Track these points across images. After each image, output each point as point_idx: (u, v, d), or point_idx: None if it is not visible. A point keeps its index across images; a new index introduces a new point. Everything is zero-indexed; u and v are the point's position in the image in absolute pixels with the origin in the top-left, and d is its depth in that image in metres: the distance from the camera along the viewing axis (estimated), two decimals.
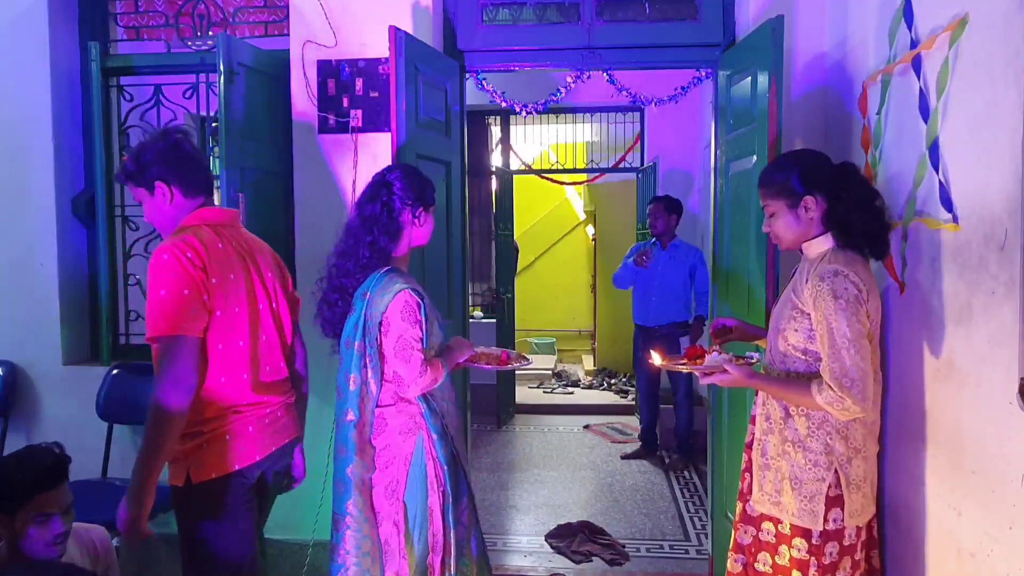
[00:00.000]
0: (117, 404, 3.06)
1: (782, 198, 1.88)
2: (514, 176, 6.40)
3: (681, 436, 4.68)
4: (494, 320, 5.86)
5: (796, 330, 1.84)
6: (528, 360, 2.44)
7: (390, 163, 2.63)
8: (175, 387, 1.77)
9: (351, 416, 2.06)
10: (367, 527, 2.05)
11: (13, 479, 1.72)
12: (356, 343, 2.04)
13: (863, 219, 1.80)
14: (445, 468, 2.08)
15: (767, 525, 1.90)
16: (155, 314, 1.78)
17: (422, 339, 2.01)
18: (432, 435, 2.08)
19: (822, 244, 1.87)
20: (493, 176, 6.52)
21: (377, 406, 2.08)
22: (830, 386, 1.72)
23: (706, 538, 3.46)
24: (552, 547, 3.42)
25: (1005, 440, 1.51)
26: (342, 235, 2.18)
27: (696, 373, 1.97)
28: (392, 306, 2.00)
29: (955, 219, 1.69)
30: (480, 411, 4.75)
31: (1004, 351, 1.50)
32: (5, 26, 3.10)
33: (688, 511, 3.93)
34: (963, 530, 1.68)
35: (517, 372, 6.08)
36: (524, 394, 6.34)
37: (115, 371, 3.11)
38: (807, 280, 1.82)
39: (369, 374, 2.05)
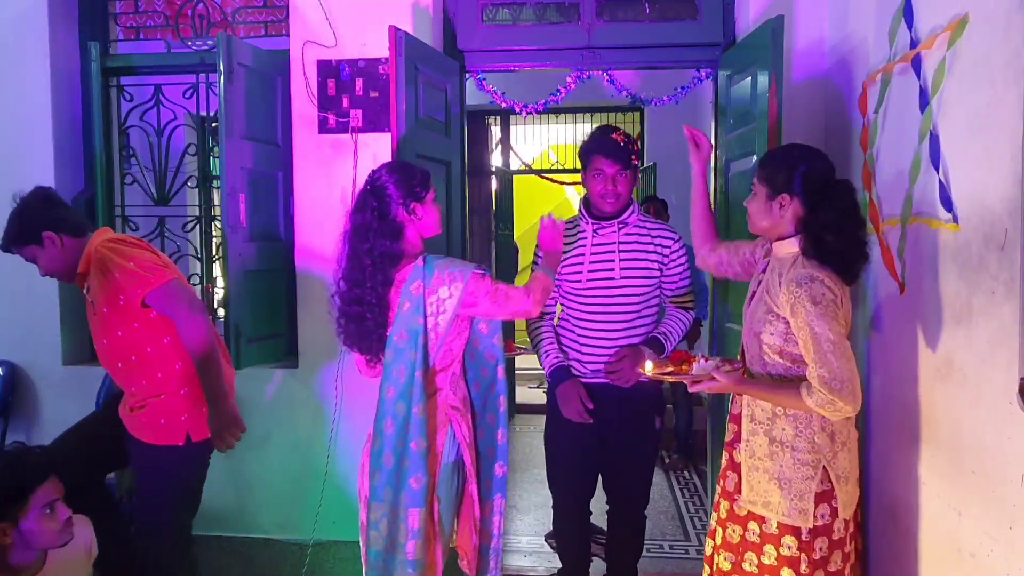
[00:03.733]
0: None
1: (765, 184, 1.91)
2: (514, 176, 6.41)
3: (681, 436, 4.68)
4: None
5: (772, 333, 1.86)
6: (527, 349, 2.63)
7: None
8: (201, 317, 2.14)
9: (421, 409, 2.05)
10: (429, 517, 2.10)
11: (5, 483, 1.76)
12: (420, 337, 2.03)
13: (836, 241, 1.80)
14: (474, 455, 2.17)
15: (752, 525, 1.91)
16: (137, 278, 2.13)
17: (501, 283, 2.12)
18: (464, 426, 2.15)
19: (793, 245, 1.88)
20: (493, 176, 6.52)
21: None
22: (820, 390, 1.72)
23: (705, 538, 3.46)
24: (552, 547, 3.42)
25: (1005, 440, 1.51)
26: (340, 247, 2.13)
27: (685, 382, 1.97)
28: (472, 283, 2.05)
29: (955, 219, 1.69)
30: None
31: (1004, 351, 1.50)
32: (5, 26, 3.10)
33: (688, 511, 3.93)
34: (963, 530, 1.68)
35: (517, 372, 6.08)
36: (524, 394, 6.34)
37: None
38: (781, 284, 1.82)
39: (429, 365, 2.08)
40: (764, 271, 1.98)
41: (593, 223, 2.50)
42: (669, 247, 2.51)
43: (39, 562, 1.85)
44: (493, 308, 2.11)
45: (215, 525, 3.09)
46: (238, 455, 3.08)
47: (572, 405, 2.44)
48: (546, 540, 3.48)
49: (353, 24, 2.96)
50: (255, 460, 3.09)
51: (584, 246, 2.49)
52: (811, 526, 1.81)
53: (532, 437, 5.31)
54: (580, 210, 2.56)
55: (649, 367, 2.04)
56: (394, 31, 2.55)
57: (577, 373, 2.52)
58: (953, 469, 1.73)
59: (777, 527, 1.85)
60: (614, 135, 2.44)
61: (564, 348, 2.56)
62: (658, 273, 2.50)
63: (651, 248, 2.49)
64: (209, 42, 3.21)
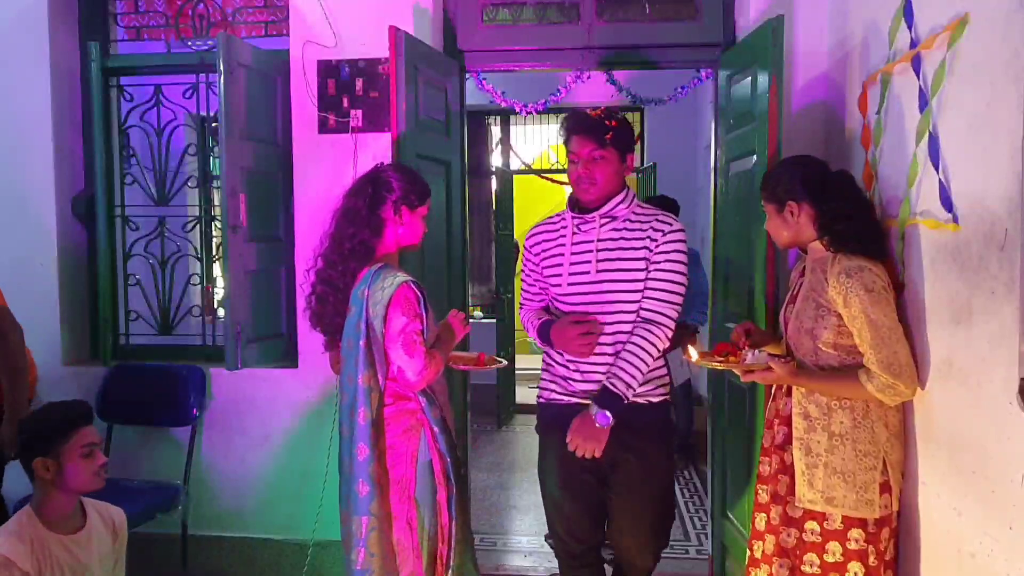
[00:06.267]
0: (117, 404, 3.06)
1: (771, 202, 2.02)
2: (514, 176, 6.41)
3: (681, 436, 4.68)
4: (494, 320, 5.87)
5: (825, 327, 1.90)
6: (503, 362, 2.50)
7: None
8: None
9: (365, 416, 2.03)
10: (387, 528, 2.05)
11: (53, 420, 1.89)
12: (361, 342, 2.03)
13: (850, 227, 1.89)
14: (448, 460, 2.09)
15: (811, 524, 1.90)
16: None
17: (423, 331, 2.01)
18: (434, 429, 2.09)
19: (824, 245, 1.95)
20: (493, 176, 6.52)
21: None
22: (881, 374, 1.78)
23: (706, 538, 3.46)
24: (552, 547, 3.42)
25: (1005, 440, 1.51)
26: (330, 224, 2.16)
27: (736, 371, 2.00)
28: (394, 299, 1.99)
29: (955, 219, 1.69)
30: (480, 411, 4.74)
31: (1004, 351, 1.50)
32: (5, 26, 3.10)
33: (688, 511, 3.93)
34: (963, 530, 1.68)
35: (517, 372, 6.09)
36: (524, 394, 6.34)
37: (115, 371, 3.11)
38: (827, 280, 1.88)
39: (377, 372, 2.05)
40: (802, 275, 2.05)
41: (575, 217, 2.17)
42: (662, 231, 2.08)
43: (78, 517, 1.93)
44: (395, 338, 1.97)
45: (215, 525, 3.10)
46: (238, 455, 3.11)
47: (571, 336, 2.07)
48: (546, 540, 3.48)
49: (353, 24, 2.96)
50: (255, 460, 3.09)
51: (564, 244, 2.18)
52: (877, 516, 1.85)
53: (531, 437, 5.30)
54: (567, 203, 2.24)
55: (695, 354, 2.05)
56: (394, 31, 2.55)
57: (562, 393, 2.19)
58: (953, 469, 1.73)
59: (842, 522, 1.87)
60: (589, 111, 2.13)
61: (550, 363, 2.26)
62: (642, 268, 2.08)
63: (640, 244, 2.08)
64: (209, 42, 3.21)
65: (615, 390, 2.03)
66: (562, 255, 2.17)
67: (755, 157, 2.54)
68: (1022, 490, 1.45)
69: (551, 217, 2.28)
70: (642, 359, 2.04)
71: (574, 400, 2.14)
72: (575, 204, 2.17)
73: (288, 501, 3.08)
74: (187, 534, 2.98)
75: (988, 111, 1.57)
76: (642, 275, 2.07)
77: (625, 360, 2.05)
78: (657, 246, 2.06)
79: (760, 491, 2.07)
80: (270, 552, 3.09)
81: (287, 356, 3.11)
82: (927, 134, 1.81)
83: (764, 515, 2.04)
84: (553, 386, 2.22)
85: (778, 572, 1.97)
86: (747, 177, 2.63)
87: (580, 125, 2.09)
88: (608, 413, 2.00)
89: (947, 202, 1.72)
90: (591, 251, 2.12)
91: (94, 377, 3.09)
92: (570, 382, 2.17)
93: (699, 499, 4.08)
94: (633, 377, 2.04)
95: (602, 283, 2.09)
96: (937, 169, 1.76)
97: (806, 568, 1.90)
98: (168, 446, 3.10)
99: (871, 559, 1.85)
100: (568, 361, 2.16)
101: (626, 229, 2.11)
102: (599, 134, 2.06)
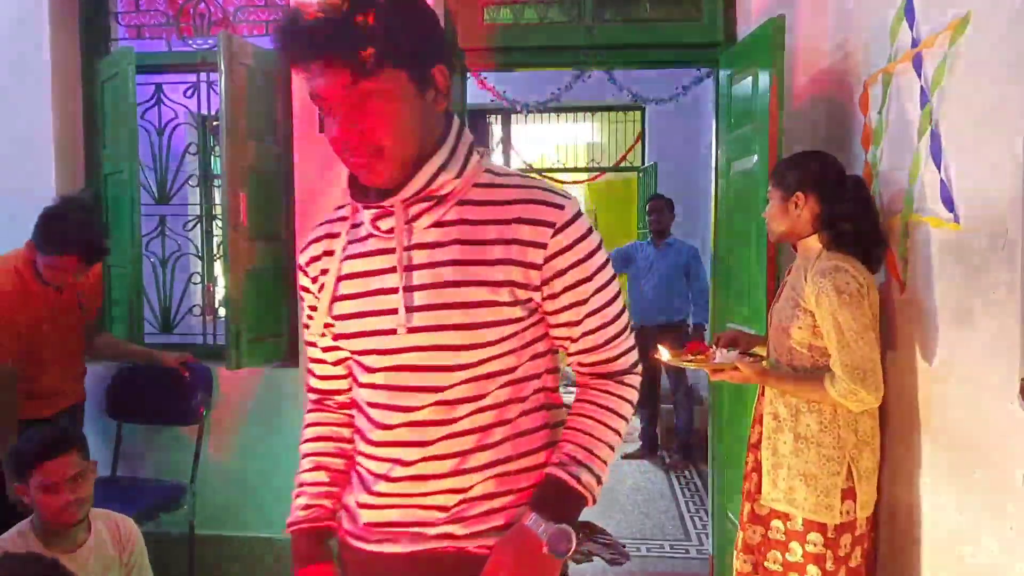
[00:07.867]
0: (125, 402, 3.07)
1: (779, 189, 2.01)
2: None
3: (681, 436, 4.68)
4: None
5: (800, 327, 1.90)
6: None
7: None
8: None
9: None
10: None
11: (25, 449, 1.90)
12: None
13: (855, 230, 1.90)
14: None
15: (776, 523, 1.92)
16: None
17: None
18: None
19: (816, 243, 1.96)
20: None
21: None
22: (843, 379, 1.76)
23: (706, 538, 3.46)
24: None
25: (1005, 440, 1.51)
26: None
27: (705, 370, 2.01)
28: None
29: (956, 218, 1.69)
30: None
31: (1004, 351, 1.50)
32: (5, 26, 3.10)
33: (688, 511, 3.93)
34: (963, 530, 1.68)
35: None
36: None
37: (123, 369, 3.11)
38: (807, 279, 1.88)
39: None
40: (789, 273, 2.06)
41: (370, 211, 1.08)
42: (552, 224, 1.04)
43: (81, 533, 1.92)
44: None
45: (216, 524, 3.10)
46: (239, 455, 3.11)
47: None
48: None
49: None
50: (256, 460, 3.09)
51: (354, 255, 1.12)
52: (837, 522, 1.84)
53: None
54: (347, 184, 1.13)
55: (666, 354, 2.06)
56: None
57: (358, 535, 1.20)
58: (953, 469, 1.73)
59: (802, 523, 1.87)
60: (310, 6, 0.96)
61: (356, 470, 1.23)
62: (511, 301, 1.05)
63: (503, 253, 1.04)
64: (210, 41, 3.21)
65: (576, 485, 1.08)
66: (351, 277, 1.12)
67: (756, 157, 2.54)
68: (1022, 490, 1.45)
69: (336, 210, 1.20)
70: (615, 428, 1.15)
71: (376, 551, 1.16)
72: (359, 188, 1.10)
73: (289, 500, 3.06)
74: (194, 533, 2.98)
75: (990, 110, 1.57)
76: (516, 313, 1.06)
77: (584, 432, 1.12)
78: (552, 252, 1.04)
79: (746, 483, 2.10)
80: (271, 552, 3.09)
81: (287, 356, 3.11)
82: (928, 133, 1.81)
83: (749, 504, 2.06)
84: (346, 514, 1.24)
85: (743, 567, 2.00)
86: (748, 177, 2.63)
87: (304, 42, 0.96)
88: (569, 528, 1.06)
89: (948, 201, 1.72)
90: (402, 270, 1.07)
91: (96, 377, 3.09)
92: (372, 528, 1.17)
93: (699, 499, 4.08)
94: (604, 461, 1.12)
95: (430, 330, 1.05)
96: (939, 168, 1.76)
97: (769, 564, 1.93)
98: (175, 445, 3.09)
99: (828, 564, 1.84)
100: (373, 488, 1.14)
101: (465, 221, 1.05)
102: (347, 49, 0.94)
